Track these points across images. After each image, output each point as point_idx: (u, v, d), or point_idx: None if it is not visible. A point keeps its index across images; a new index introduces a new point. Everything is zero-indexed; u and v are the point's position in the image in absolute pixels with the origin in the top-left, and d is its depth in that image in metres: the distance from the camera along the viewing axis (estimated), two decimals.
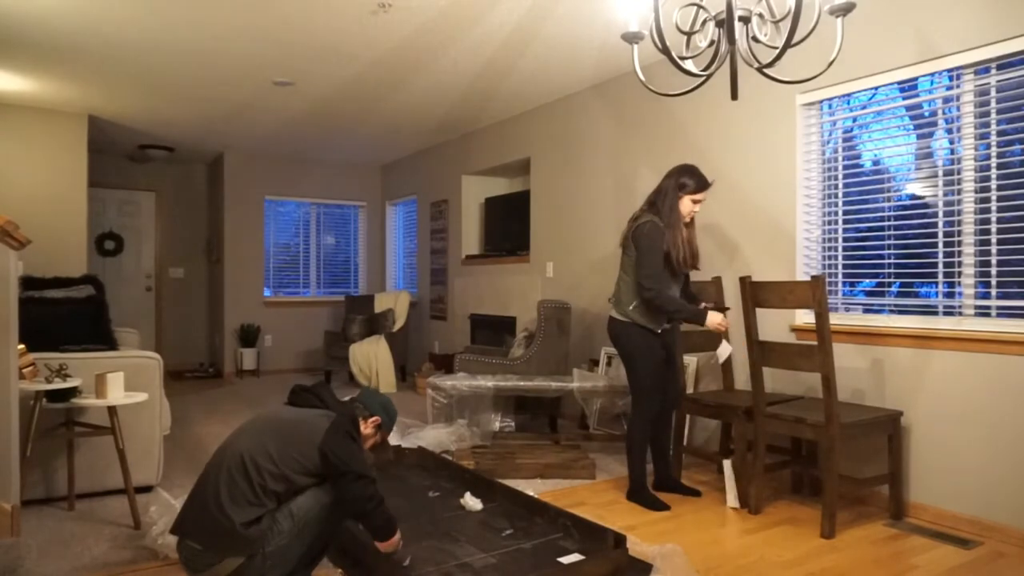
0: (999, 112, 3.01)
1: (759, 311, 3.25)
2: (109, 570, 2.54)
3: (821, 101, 3.67)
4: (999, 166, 3.01)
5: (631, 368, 3.40)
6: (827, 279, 3.59)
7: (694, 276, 4.12)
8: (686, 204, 3.30)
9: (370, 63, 4.70)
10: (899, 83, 3.34)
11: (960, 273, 3.13)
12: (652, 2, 2.07)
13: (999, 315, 3.01)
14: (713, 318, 3.27)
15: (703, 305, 3.39)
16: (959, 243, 3.12)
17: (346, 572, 2.47)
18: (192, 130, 6.76)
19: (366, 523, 2.24)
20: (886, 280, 3.45)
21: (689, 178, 3.30)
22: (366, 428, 2.42)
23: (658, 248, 3.24)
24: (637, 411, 3.39)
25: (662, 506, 3.29)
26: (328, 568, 2.53)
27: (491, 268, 6.48)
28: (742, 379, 3.92)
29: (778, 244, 3.82)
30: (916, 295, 3.36)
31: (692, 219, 3.37)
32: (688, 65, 2.12)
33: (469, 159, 6.85)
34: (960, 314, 3.13)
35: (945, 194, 3.20)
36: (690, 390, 4.14)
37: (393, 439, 4.14)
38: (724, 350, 3.60)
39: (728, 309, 3.58)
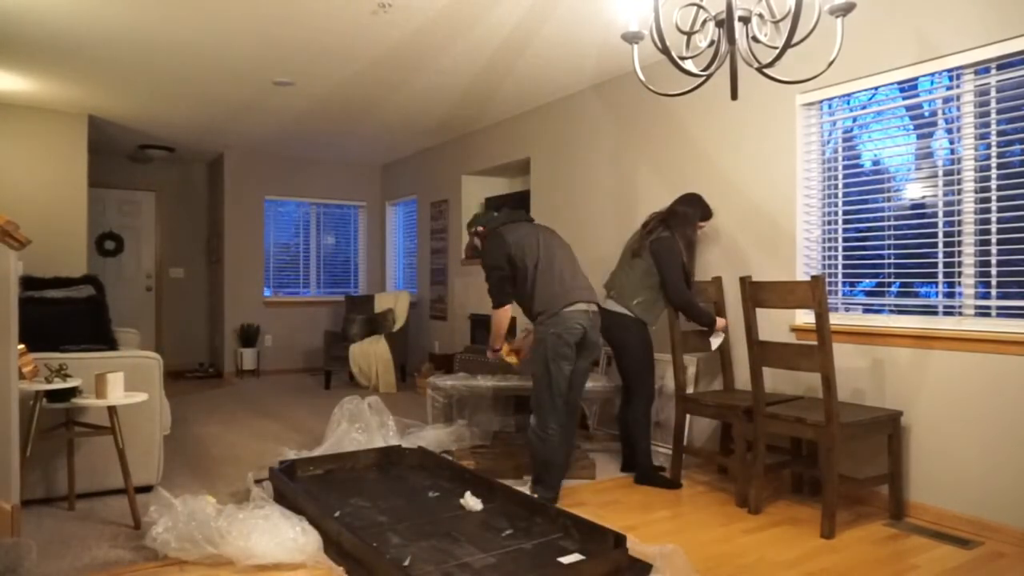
0: (999, 112, 3.01)
1: (759, 311, 3.25)
2: (109, 570, 2.55)
3: (821, 101, 3.67)
4: (999, 166, 3.01)
5: (632, 358, 3.74)
6: (827, 279, 3.60)
7: (696, 276, 4.13)
8: (695, 229, 3.89)
9: (370, 63, 4.70)
10: (899, 83, 3.34)
11: (960, 273, 3.13)
12: (652, 2, 2.07)
13: (999, 315, 3.01)
14: (721, 322, 3.81)
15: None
16: (959, 243, 3.12)
17: (348, 571, 2.47)
18: (192, 130, 6.76)
19: None
20: (886, 280, 3.45)
21: (702, 209, 3.90)
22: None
23: (678, 261, 3.67)
24: (640, 397, 3.74)
25: (675, 483, 3.64)
26: (330, 567, 2.53)
27: None
28: (742, 379, 3.92)
29: (778, 244, 3.82)
30: (916, 295, 3.36)
31: None
32: (688, 65, 2.12)
33: (469, 159, 6.85)
34: (960, 314, 3.13)
35: (945, 194, 3.20)
36: (690, 390, 4.14)
37: (393, 439, 4.14)
38: (717, 337, 3.85)
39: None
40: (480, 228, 3.57)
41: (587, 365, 3.42)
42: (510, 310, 3.45)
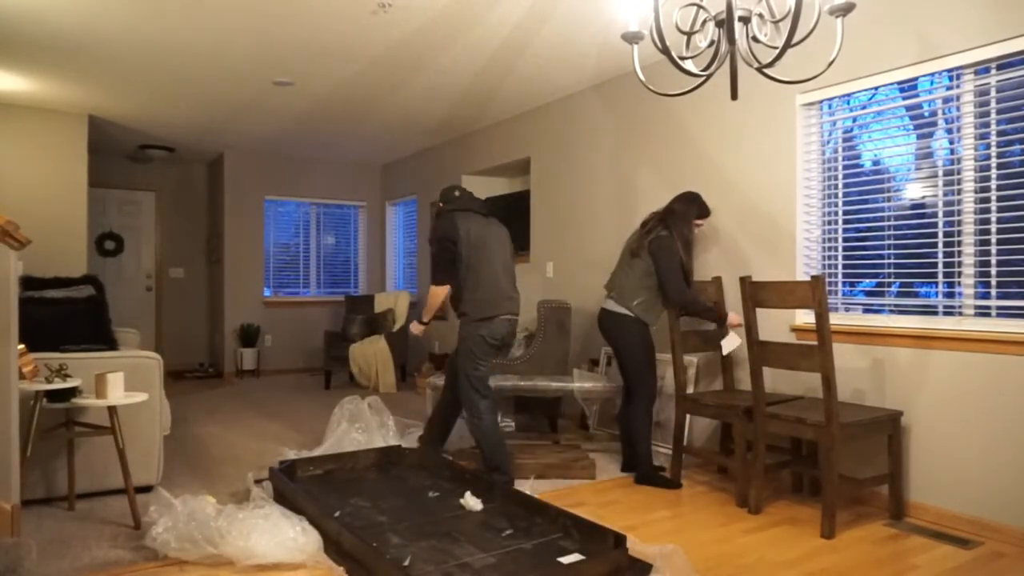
0: (999, 112, 3.01)
1: (759, 311, 3.25)
2: (109, 570, 2.55)
3: (821, 101, 3.67)
4: (999, 166, 3.01)
5: (633, 359, 3.73)
6: (827, 279, 3.60)
7: (696, 276, 4.13)
8: (692, 227, 3.85)
9: (370, 63, 4.70)
10: (899, 83, 3.35)
11: (960, 273, 3.13)
12: (652, 2, 2.07)
13: (999, 315, 3.01)
14: (733, 317, 3.74)
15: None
16: (959, 243, 3.12)
17: (348, 571, 2.47)
18: (192, 130, 6.76)
19: None
20: (886, 280, 3.45)
21: (699, 207, 3.86)
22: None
23: (677, 260, 3.66)
24: (642, 398, 3.73)
25: (675, 484, 3.63)
26: (330, 567, 2.53)
27: None
28: (742, 379, 3.92)
29: (778, 244, 3.82)
30: (916, 295, 3.36)
31: None
32: (688, 65, 2.12)
33: (469, 159, 6.85)
34: (960, 314, 3.13)
35: (945, 194, 3.20)
36: (690, 390, 4.14)
37: (393, 439, 4.14)
38: (732, 341, 3.77)
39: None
40: (441, 204, 3.73)
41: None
42: (447, 290, 3.61)
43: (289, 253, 8.37)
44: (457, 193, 3.72)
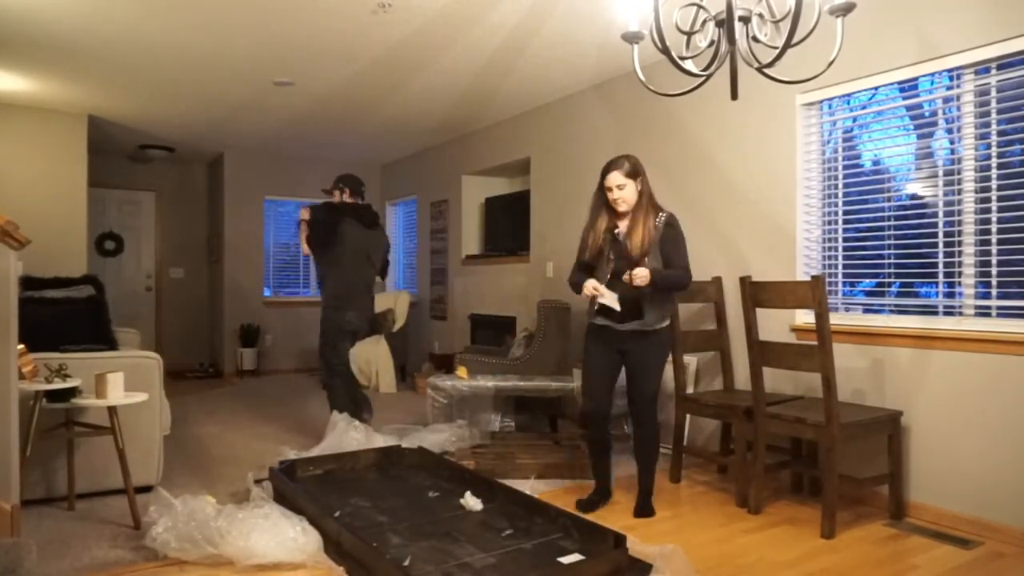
0: (999, 112, 3.01)
1: (759, 311, 3.25)
2: (109, 570, 2.55)
3: (821, 101, 3.67)
4: (999, 166, 3.01)
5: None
6: (827, 279, 3.60)
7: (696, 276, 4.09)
8: (599, 203, 3.29)
9: (370, 63, 4.69)
10: (899, 83, 3.34)
11: (960, 273, 3.13)
12: (652, 2, 2.07)
13: (999, 315, 3.01)
14: (585, 287, 3.15)
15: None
16: (959, 243, 3.12)
17: (348, 571, 2.47)
18: (192, 130, 6.76)
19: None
20: (886, 280, 3.45)
21: (601, 173, 3.28)
22: None
23: (582, 247, 3.31)
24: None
25: (586, 509, 3.19)
26: (330, 567, 2.53)
27: (491, 268, 6.48)
28: (742, 379, 3.92)
29: (778, 244, 3.82)
30: (916, 295, 3.36)
31: (630, 208, 3.22)
32: (688, 65, 2.12)
33: (469, 159, 6.85)
34: (960, 314, 3.13)
35: (945, 194, 3.20)
36: (690, 390, 4.14)
37: (393, 439, 4.14)
38: (610, 298, 3.17)
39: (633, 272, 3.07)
40: (347, 190, 4.70)
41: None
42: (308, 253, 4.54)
43: (289, 253, 8.37)
44: (361, 199, 4.68)
